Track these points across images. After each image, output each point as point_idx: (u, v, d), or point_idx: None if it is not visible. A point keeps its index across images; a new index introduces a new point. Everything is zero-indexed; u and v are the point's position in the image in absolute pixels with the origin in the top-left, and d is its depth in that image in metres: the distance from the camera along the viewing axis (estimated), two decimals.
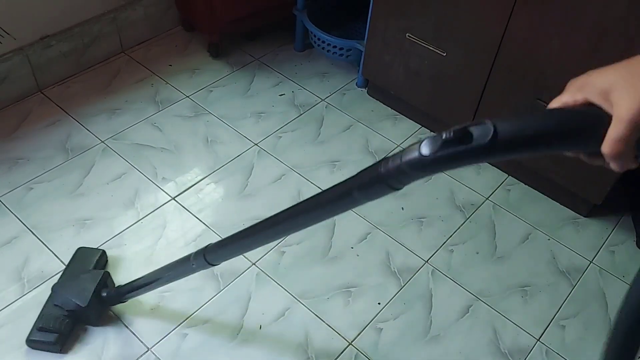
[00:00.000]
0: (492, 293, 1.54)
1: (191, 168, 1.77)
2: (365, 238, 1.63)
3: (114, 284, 1.38)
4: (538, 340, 1.46)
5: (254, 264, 1.54)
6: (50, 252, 1.51)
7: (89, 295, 1.28)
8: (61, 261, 1.49)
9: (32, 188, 1.65)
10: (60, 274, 1.42)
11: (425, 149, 0.62)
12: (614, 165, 0.54)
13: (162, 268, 1.21)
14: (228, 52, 2.20)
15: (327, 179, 1.77)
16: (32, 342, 1.29)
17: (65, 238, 1.54)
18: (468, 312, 1.49)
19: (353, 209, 1.68)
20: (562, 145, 0.57)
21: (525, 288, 1.56)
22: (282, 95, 2.06)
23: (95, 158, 1.76)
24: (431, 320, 1.46)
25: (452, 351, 1.41)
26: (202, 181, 1.73)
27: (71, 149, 1.78)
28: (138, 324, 1.39)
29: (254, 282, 1.50)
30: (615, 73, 0.53)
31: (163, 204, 1.66)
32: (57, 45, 1.92)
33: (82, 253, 1.45)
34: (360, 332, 1.42)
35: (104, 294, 1.31)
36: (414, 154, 0.64)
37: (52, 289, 1.33)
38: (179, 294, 1.45)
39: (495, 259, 1.62)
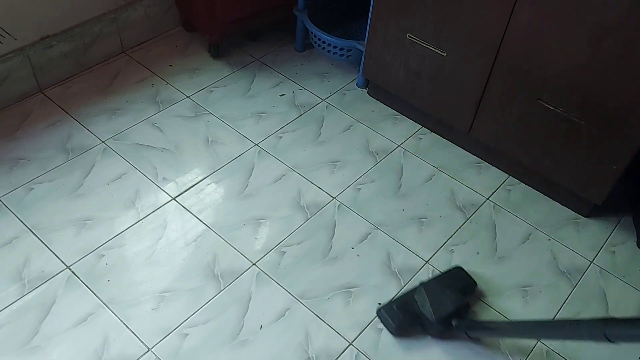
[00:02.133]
0: (492, 293, 1.54)
1: (192, 168, 1.77)
2: (366, 238, 1.63)
3: (468, 316, 1.42)
4: (539, 340, 1.46)
5: (255, 264, 1.54)
6: (51, 253, 1.51)
7: (443, 315, 1.36)
8: (61, 261, 1.49)
9: (32, 188, 1.66)
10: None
11: None
12: None
13: (530, 322, 1.23)
14: (229, 53, 2.20)
15: (328, 179, 1.78)
16: (380, 314, 1.43)
17: (66, 238, 1.54)
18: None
19: (355, 211, 1.68)
20: None
21: (525, 288, 1.56)
22: (282, 95, 2.06)
23: (95, 158, 1.76)
24: None
25: (452, 351, 1.41)
26: (203, 181, 1.74)
27: (72, 149, 1.78)
28: (138, 324, 1.39)
29: (255, 282, 1.50)
30: None
31: (163, 204, 1.66)
32: (58, 45, 1.92)
33: (458, 273, 1.52)
34: (361, 332, 1.42)
35: (454, 322, 1.37)
36: None
37: (421, 284, 1.43)
38: (179, 293, 1.45)
39: (496, 259, 1.62)
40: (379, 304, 1.47)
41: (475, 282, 1.50)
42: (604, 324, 0.98)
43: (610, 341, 0.97)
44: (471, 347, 1.41)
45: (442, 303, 1.37)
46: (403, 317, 1.39)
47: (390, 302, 1.43)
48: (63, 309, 1.40)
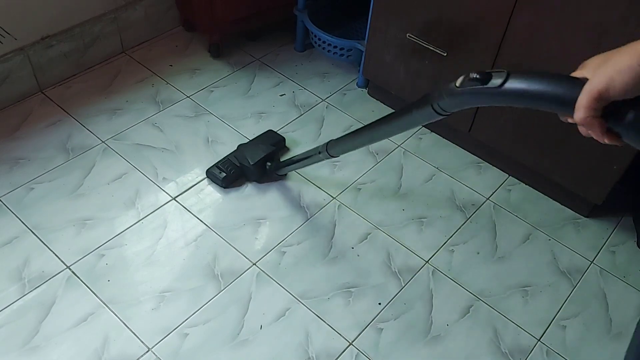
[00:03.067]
0: (492, 293, 1.54)
1: (192, 168, 1.77)
2: (366, 238, 1.63)
3: (279, 160, 1.73)
4: (539, 340, 1.46)
5: (255, 264, 1.54)
6: (51, 252, 1.51)
7: (257, 159, 1.68)
8: (62, 261, 1.49)
9: (32, 188, 1.66)
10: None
11: (457, 82, 0.80)
12: (581, 130, 0.67)
13: (301, 154, 1.57)
14: (229, 52, 2.20)
15: (328, 179, 1.78)
16: (208, 173, 1.73)
17: (66, 238, 1.54)
18: (469, 312, 1.49)
19: (355, 211, 1.68)
20: (549, 104, 0.68)
21: (525, 288, 1.56)
22: (282, 95, 2.06)
23: (95, 158, 1.76)
24: (432, 321, 1.46)
25: (452, 351, 1.41)
26: (203, 181, 1.74)
27: (72, 149, 1.78)
28: (138, 323, 1.39)
29: (255, 282, 1.50)
30: (602, 56, 0.65)
31: (164, 204, 1.66)
32: (58, 45, 1.92)
33: (270, 134, 1.85)
34: (361, 332, 1.42)
35: (268, 164, 1.71)
36: (450, 85, 0.81)
37: (238, 146, 1.76)
38: (179, 293, 1.45)
39: (496, 259, 1.62)
40: (379, 303, 1.47)
41: (284, 138, 1.84)
42: (326, 145, 1.41)
43: (332, 156, 1.42)
44: (278, 184, 1.75)
45: (257, 153, 1.70)
46: (226, 171, 1.69)
47: (213, 164, 1.72)
48: (63, 309, 1.40)
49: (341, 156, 1.84)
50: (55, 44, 1.91)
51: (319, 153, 1.45)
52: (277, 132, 1.86)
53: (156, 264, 1.51)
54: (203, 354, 1.35)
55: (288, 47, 2.27)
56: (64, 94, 1.96)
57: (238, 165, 1.71)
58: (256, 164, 1.68)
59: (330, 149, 1.41)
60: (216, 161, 1.74)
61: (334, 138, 1.39)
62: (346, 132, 1.38)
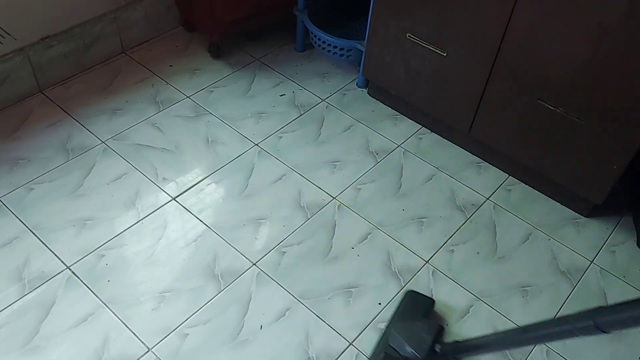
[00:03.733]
0: (492, 293, 1.54)
1: (192, 168, 1.77)
2: (366, 238, 1.63)
3: (445, 336, 1.38)
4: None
5: (255, 264, 1.54)
6: (51, 253, 1.51)
7: (427, 348, 1.26)
8: (62, 261, 1.49)
9: (32, 188, 1.66)
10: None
11: None
12: None
13: (516, 329, 1.10)
14: (229, 53, 2.20)
15: (328, 179, 1.78)
16: None
17: (66, 238, 1.54)
18: (469, 312, 1.49)
19: (355, 211, 1.68)
20: None
21: (526, 288, 1.56)
22: (282, 95, 2.06)
23: (95, 158, 1.76)
24: None
25: None
26: (203, 181, 1.74)
27: (72, 150, 1.78)
28: (139, 324, 1.39)
29: (255, 283, 1.50)
30: None
31: (164, 204, 1.66)
32: (58, 45, 1.92)
33: (413, 298, 1.44)
34: (361, 333, 1.42)
35: (437, 348, 1.28)
36: None
37: (389, 327, 1.36)
38: (179, 294, 1.45)
39: (496, 259, 1.62)
40: (379, 303, 1.47)
41: (432, 300, 1.46)
42: (593, 313, 0.90)
43: (603, 331, 0.90)
44: None
45: (420, 337, 1.28)
46: None
47: None
48: (63, 309, 1.40)
49: (341, 156, 1.85)
50: (55, 44, 1.91)
51: (579, 327, 0.93)
52: (419, 292, 1.47)
53: (156, 264, 1.51)
54: (203, 354, 1.35)
55: (288, 47, 2.27)
56: (64, 94, 1.96)
57: (401, 359, 1.30)
58: (428, 356, 1.26)
59: (601, 319, 0.89)
60: (370, 357, 1.37)
61: (603, 305, 0.93)
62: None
